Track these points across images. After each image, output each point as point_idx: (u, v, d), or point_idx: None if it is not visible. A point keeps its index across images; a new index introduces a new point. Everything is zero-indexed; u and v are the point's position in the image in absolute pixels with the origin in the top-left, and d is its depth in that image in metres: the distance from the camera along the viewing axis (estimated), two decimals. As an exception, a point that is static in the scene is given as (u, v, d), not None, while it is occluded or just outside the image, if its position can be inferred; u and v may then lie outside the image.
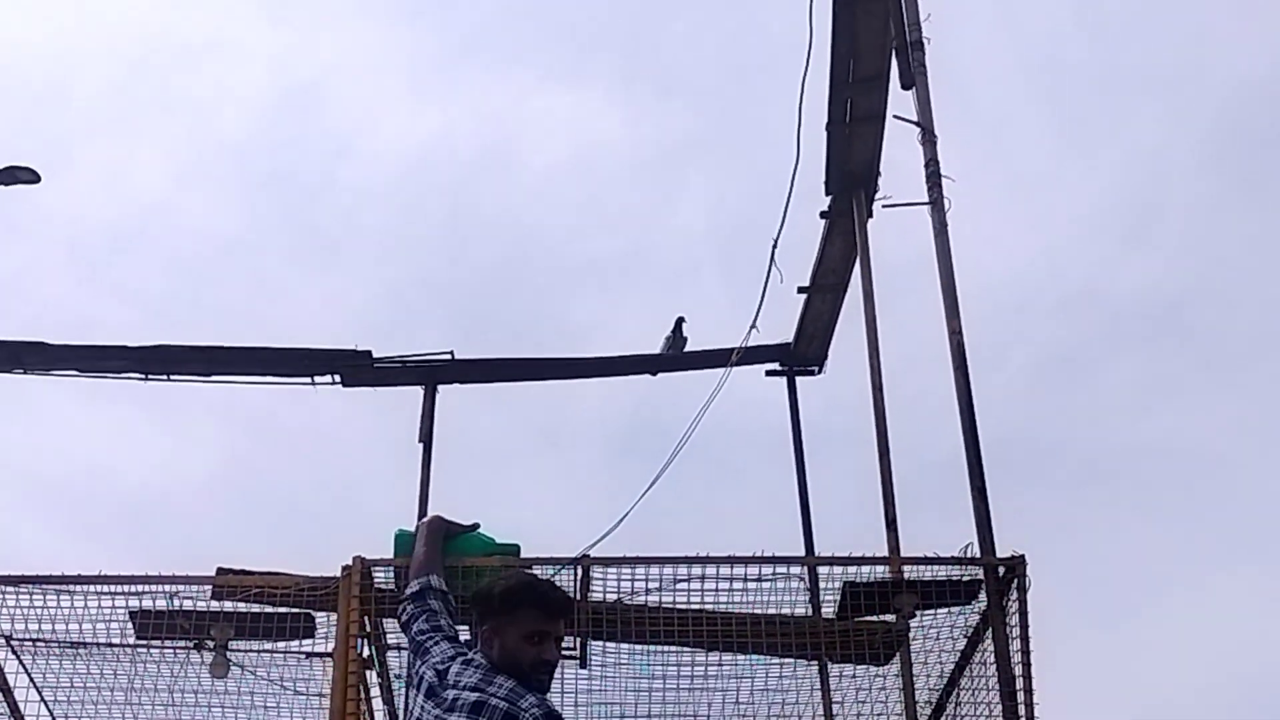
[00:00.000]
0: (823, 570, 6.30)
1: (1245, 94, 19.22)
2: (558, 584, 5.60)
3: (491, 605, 4.29)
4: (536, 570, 5.98)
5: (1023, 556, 5.98)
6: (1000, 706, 5.89)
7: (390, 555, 5.76)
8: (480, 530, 5.58)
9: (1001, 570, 6.03)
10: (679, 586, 6.07)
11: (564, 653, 6.30)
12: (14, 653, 6.41)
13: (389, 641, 6.23)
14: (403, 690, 4.42)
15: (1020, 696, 5.86)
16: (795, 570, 6.24)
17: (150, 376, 8.54)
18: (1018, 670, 5.90)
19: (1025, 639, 5.92)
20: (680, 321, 8.98)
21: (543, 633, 4.20)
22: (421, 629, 4.59)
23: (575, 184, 20.06)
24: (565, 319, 17.17)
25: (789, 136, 7.36)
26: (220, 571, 6.13)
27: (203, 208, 19.95)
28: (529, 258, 19.10)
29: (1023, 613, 5.93)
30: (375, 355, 8.59)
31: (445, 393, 8.70)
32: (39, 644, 6.29)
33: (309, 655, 6.31)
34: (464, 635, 4.58)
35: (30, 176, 8.81)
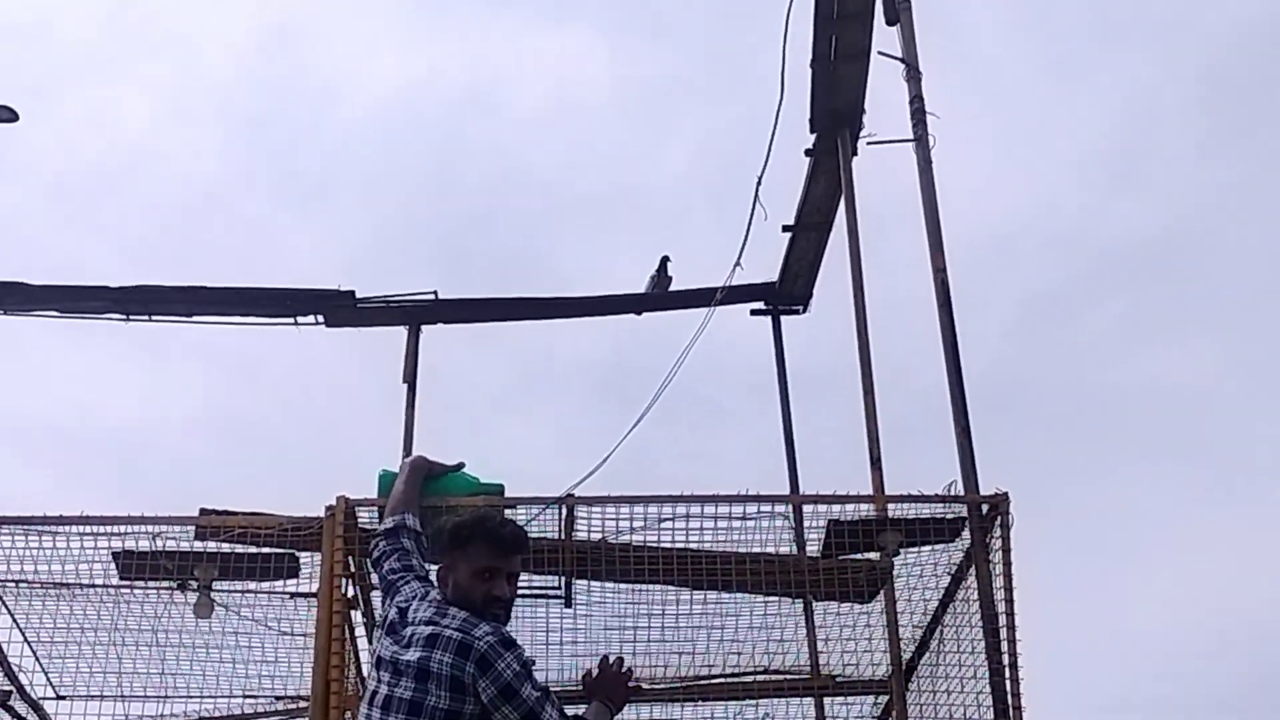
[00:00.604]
0: (807, 508, 6.30)
1: (1236, 37, 19.15)
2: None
3: (443, 542, 4.31)
4: (521, 510, 5.99)
5: (1006, 494, 5.99)
6: (983, 643, 5.91)
7: (374, 495, 5.75)
8: (464, 470, 5.57)
9: (985, 508, 6.04)
10: (664, 525, 6.08)
11: (549, 591, 6.34)
12: (-3, 593, 6.41)
13: (373, 581, 6.23)
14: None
15: (1003, 633, 5.88)
16: (780, 509, 6.23)
17: (131, 317, 8.50)
18: (1001, 607, 5.91)
19: (1008, 576, 5.94)
20: (665, 261, 8.95)
21: (493, 569, 4.20)
22: (393, 567, 4.59)
23: (562, 125, 19.97)
24: (552, 260, 17.13)
25: (775, 75, 7.32)
26: (204, 512, 6.11)
27: (187, 149, 19.85)
28: (515, 199, 19.03)
29: (1006, 550, 5.95)
30: (359, 295, 8.55)
31: (430, 333, 8.68)
32: (22, 585, 6.28)
33: (293, 595, 6.31)
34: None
35: (9, 115, 8.72)
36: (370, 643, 6.24)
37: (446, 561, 4.27)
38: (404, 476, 5.14)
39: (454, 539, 4.27)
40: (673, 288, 8.91)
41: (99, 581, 6.25)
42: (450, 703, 3.99)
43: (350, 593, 6.00)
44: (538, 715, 4.06)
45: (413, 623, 4.17)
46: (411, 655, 4.06)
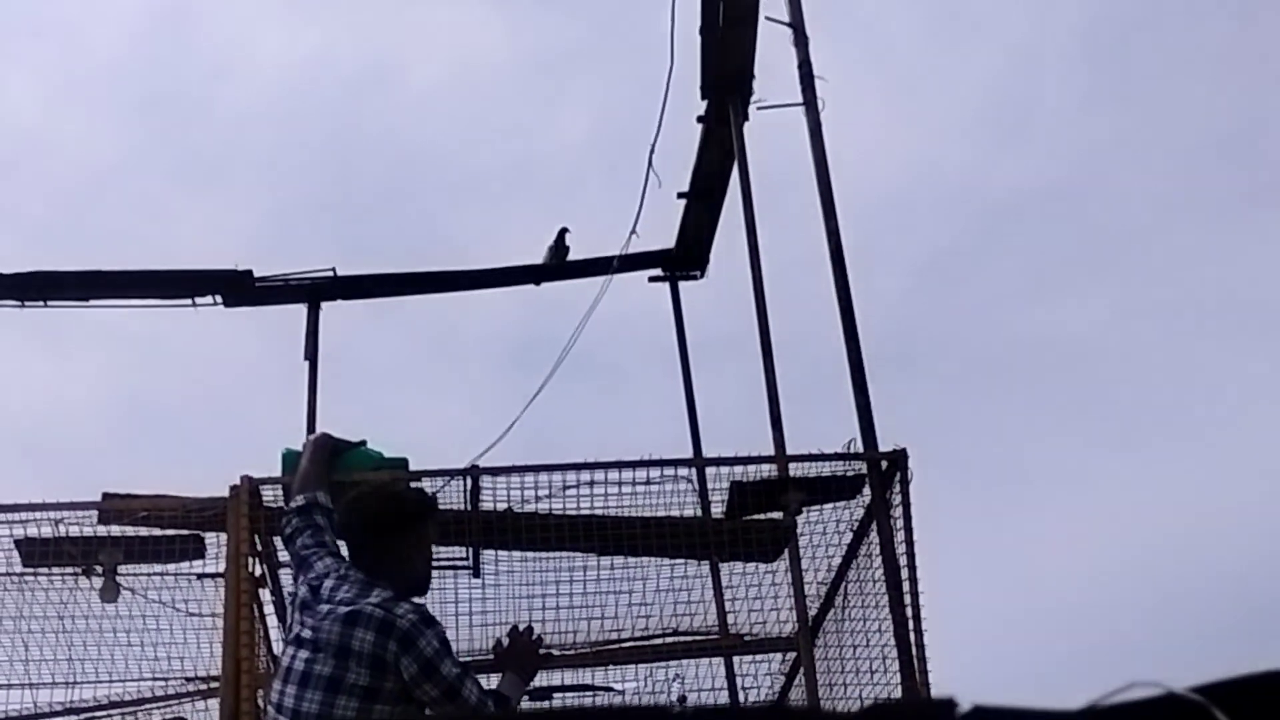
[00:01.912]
0: (710, 471, 6.38)
1: (1114, -12, 19.42)
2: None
3: (388, 520, 4.33)
4: (426, 482, 6.01)
5: (904, 450, 6.10)
6: (887, 597, 6.02)
7: (279, 474, 5.75)
8: (367, 445, 5.59)
9: (884, 464, 6.15)
10: (569, 493, 6.13)
11: (457, 563, 6.38)
12: (-102, 585, 6.33)
13: (280, 560, 6.23)
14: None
15: (906, 587, 5.99)
16: (683, 472, 6.31)
17: (27, 303, 8.41)
18: (903, 561, 6.02)
19: (909, 530, 6.05)
20: (564, 232, 8.98)
21: (433, 545, 4.30)
22: (306, 544, 4.60)
23: (458, 98, 19.88)
24: (452, 235, 17.04)
25: (666, 42, 7.37)
26: (106, 496, 6.08)
27: (79, 132, 19.52)
28: (413, 174, 18.94)
29: (906, 505, 6.06)
30: (257, 275, 8.51)
31: (330, 310, 8.65)
32: (-77, 576, 6.21)
33: (200, 576, 6.29)
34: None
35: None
36: (281, 621, 6.25)
37: (396, 540, 4.30)
38: (309, 455, 5.14)
39: (407, 517, 4.31)
40: (571, 258, 8.94)
41: (1, 570, 6.19)
42: (370, 680, 4.02)
43: (258, 572, 6.00)
44: (457, 691, 4.11)
45: (328, 600, 4.18)
46: (330, 632, 4.08)
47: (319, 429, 7.24)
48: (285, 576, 6.30)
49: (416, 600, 4.32)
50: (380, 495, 4.57)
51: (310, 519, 4.72)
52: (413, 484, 5.85)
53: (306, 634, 4.15)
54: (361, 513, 4.40)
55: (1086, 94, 19.51)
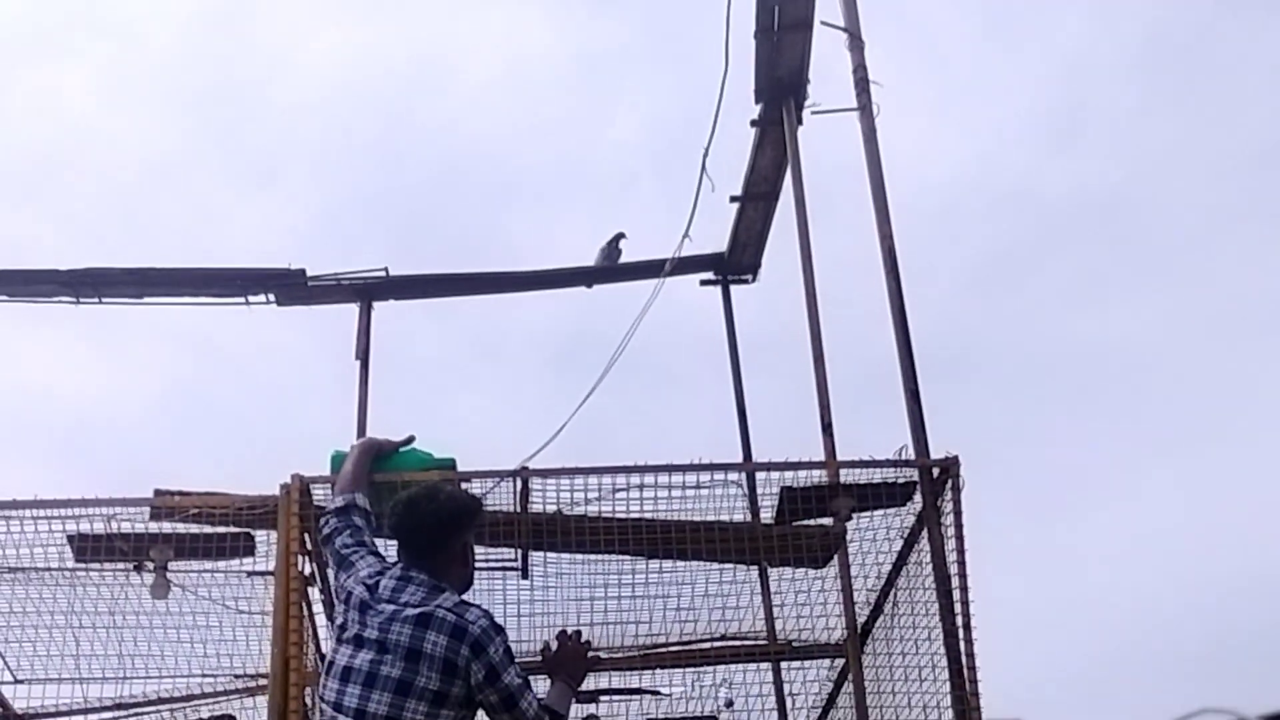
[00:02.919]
0: (760, 475, 6.36)
1: (1172, -5, 19.29)
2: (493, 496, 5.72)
3: (470, 518, 4.38)
4: (476, 483, 6.02)
5: (956, 457, 6.06)
6: (937, 605, 5.98)
7: (328, 474, 5.75)
8: (415, 445, 5.59)
9: (936, 471, 6.11)
10: (618, 495, 6.12)
11: (506, 564, 6.39)
12: (-48, 579, 6.38)
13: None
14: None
15: (956, 595, 5.95)
16: (733, 476, 6.29)
17: (82, 300, 8.47)
18: (953, 569, 5.99)
19: (960, 538, 6.01)
20: (619, 237, 8.99)
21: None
22: (346, 543, 4.60)
23: (510, 97, 19.91)
24: (503, 234, 17.10)
25: (720, 45, 7.35)
26: (158, 493, 6.11)
27: (134, 129, 19.68)
28: (465, 173, 18.99)
29: (957, 513, 6.02)
30: (309, 274, 8.55)
31: (382, 309, 8.69)
32: (-25, 570, 6.26)
33: (250, 574, 6.32)
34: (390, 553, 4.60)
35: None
36: (329, 619, 6.26)
37: (457, 540, 4.33)
38: (353, 458, 5.15)
39: (468, 519, 4.36)
40: (622, 260, 8.94)
41: (54, 565, 6.24)
42: (440, 683, 4.03)
43: (307, 570, 6.02)
44: (516, 702, 4.14)
45: (390, 600, 4.18)
46: (400, 634, 4.08)
47: (369, 428, 7.29)
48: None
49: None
50: (446, 495, 4.57)
51: (349, 519, 4.73)
52: (462, 484, 5.85)
53: (371, 634, 4.13)
54: (433, 513, 4.40)
55: (1140, 101, 19.39)
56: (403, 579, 4.27)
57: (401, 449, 5.52)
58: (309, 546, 6.02)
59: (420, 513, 4.37)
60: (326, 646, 4.54)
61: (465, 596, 4.38)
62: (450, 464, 5.79)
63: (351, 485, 4.96)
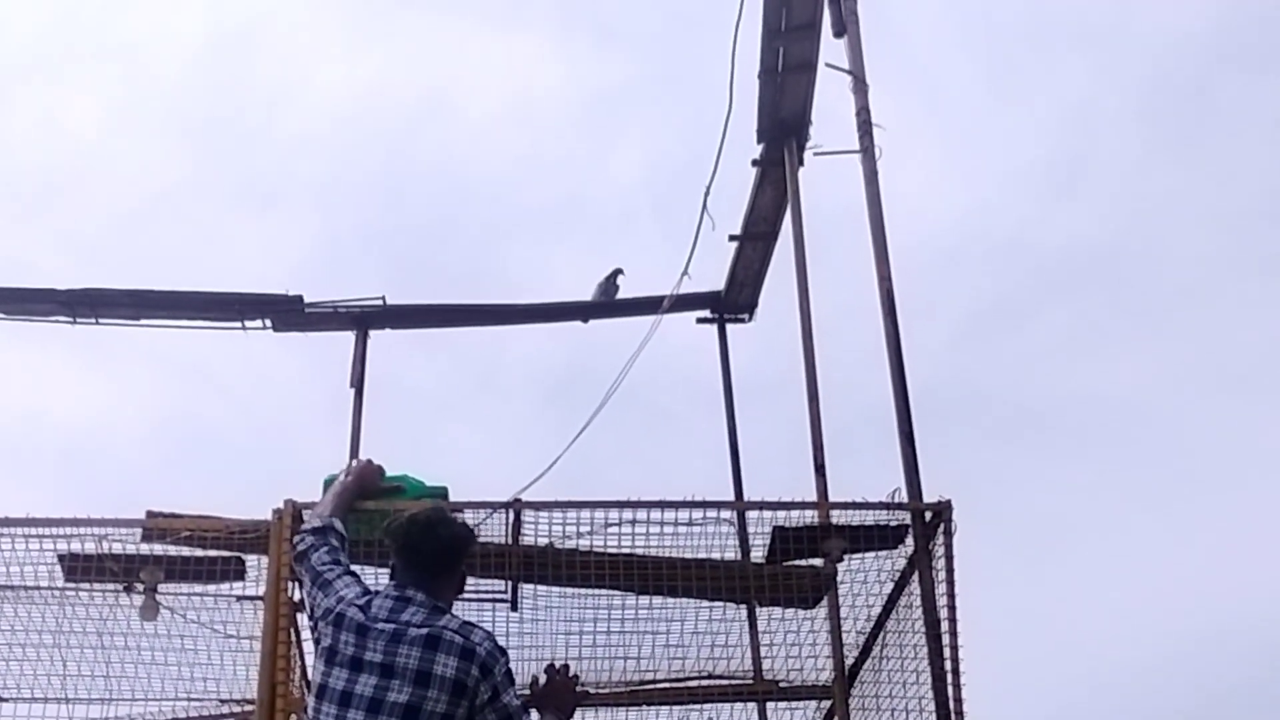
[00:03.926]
0: (752, 514, 6.37)
1: (1173, 47, 19.41)
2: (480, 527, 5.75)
3: (456, 547, 4.39)
4: (469, 514, 6.01)
5: (949, 501, 6.06)
6: (926, 648, 5.97)
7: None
8: (406, 475, 5.60)
9: (928, 515, 6.11)
10: (610, 530, 6.11)
11: (496, 595, 6.38)
12: (-59, 596, 6.37)
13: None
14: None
15: (946, 639, 5.94)
16: (725, 514, 6.29)
17: (78, 320, 8.48)
18: (943, 613, 5.98)
19: (951, 582, 6.00)
20: (617, 272, 9.01)
21: None
22: (323, 560, 4.56)
23: (512, 132, 19.98)
24: (501, 267, 17.13)
25: (724, 85, 7.39)
26: (150, 515, 6.11)
27: (137, 152, 19.73)
28: (465, 206, 19.04)
29: (948, 557, 6.01)
30: (307, 300, 8.56)
31: (378, 338, 8.71)
32: (-35, 587, 6.25)
33: (240, 598, 6.31)
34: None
35: (-45, 116, 8.68)
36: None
37: (459, 564, 4.36)
38: (339, 490, 5.12)
39: (473, 546, 4.41)
40: (619, 296, 8.96)
41: (44, 584, 6.23)
42: (447, 706, 4.01)
43: (297, 596, 6.00)
44: None
45: (388, 620, 4.16)
46: (407, 657, 4.06)
47: (362, 454, 7.28)
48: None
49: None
50: (459, 521, 4.60)
51: (326, 539, 4.71)
52: (454, 515, 5.85)
53: (373, 657, 4.09)
54: (451, 537, 4.41)
55: (1141, 152, 19.48)
56: (400, 599, 4.24)
57: (390, 476, 5.52)
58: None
59: (437, 535, 4.37)
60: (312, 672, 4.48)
61: None
62: (443, 492, 5.80)
63: (331, 512, 4.93)
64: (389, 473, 5.51)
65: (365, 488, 5.31)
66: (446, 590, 4.33)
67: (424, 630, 4.10)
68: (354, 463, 5.45)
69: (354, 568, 4.64)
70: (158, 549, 6.17)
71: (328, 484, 5.49)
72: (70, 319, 8.47)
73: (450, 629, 4.12)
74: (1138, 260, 18.83)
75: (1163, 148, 19.53)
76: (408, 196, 19.65)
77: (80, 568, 6.12)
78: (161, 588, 6.27)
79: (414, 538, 4.38)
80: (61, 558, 6.10)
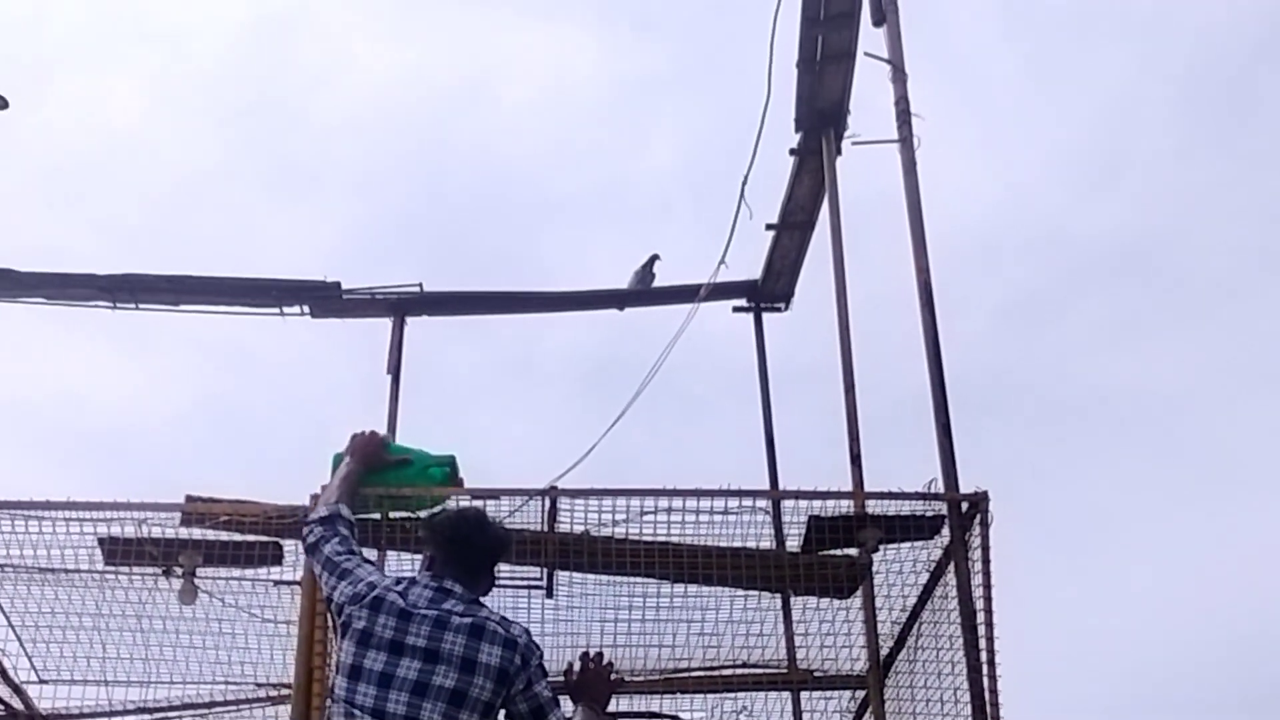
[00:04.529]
0: (787, 504, 6.36)
1: (1215, 38, 19.26)
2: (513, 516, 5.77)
3: (500, 542, 4.45)
4: (505, 501, 6.03)
5: (986, 492, 6.04)
6: (961, 639, 5.96)
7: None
8: (409, 447, 5.59)
9: (964, 505, 6.10)
10: (645, 518, 6.12)
11: (532, 583, 6.41)
12: (-19, 578, 6.43)
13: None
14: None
15: (981, 630, 5.93)
16: (760, 503, 6.29)
17: (118, 305, 8.52)
18: (979, 604, 5.96)
19: (987, 573, 5.99)
20: (653, 259, 9.00)
21: None
22: (337, 550, 4.57)
23: (550, 119, 19.98)
24: (538, 255, 17.16)
25: (761, 74, 7.38)
26: (189, 499, 6.15)
27: (177, 138, 19.81)
28: (502, 193, 19.06)
29: (985, 548, 6.00)
30: (344, 287, 8.59)
31: (414, 325, 8.72)
32: (6, 570, 6.30)
33: (277, 583, 6.35)
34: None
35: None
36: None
37: (495, 567, 4.41)
38: (344, 473, 5.11)
39: (509, 548, 4.46)
40: (656, 284, 8.96)
41: (84, 567, 6.28)
42: (491, 694, 4.07)
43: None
44: (546, 714, 4.19)
45: (429, 608, 4.17)
46: (452, 644, 4.09)
47: (398, 441, 7.31)
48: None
49: None
50: (497, 522, 4.64)
51: (334, 528, 4.72)
52: (490, 502, 5.87)
53: (415, 641, 4.11)
54: (499, 536, 4.47)
55: (1182, 143, 19.35)
56: (440, 590, 4.27)
57: (395, 447, 5.51)
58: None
59: (486, 534, 4.41)
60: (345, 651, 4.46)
61: None
62: (450, 461, 5.76)
63: (338, 498, 4.94)
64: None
65: (371, 465, 5.30)
66: (481, 587, 4.35)
67: (468, 619, 4.14)
68: (355, 437, 5.38)
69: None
70: (196, 533, 6.21)
71: (337, 461, 5.44)
72: (110, 304, 8.51)
73: (493, 620, 4.17)
74: (1177, 252, 18.74)
75: (1203, 139, 19.41)
76: (445, 183, 19.70)
77: (120, 551, 6.16)
78: (200, 572, 6.32)
79: (463, 533, 4.40)
80: (101, 541, 6.14)
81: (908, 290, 6.76)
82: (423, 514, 5.50)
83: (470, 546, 4.38)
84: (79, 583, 6.36)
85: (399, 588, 4.30)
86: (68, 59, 20.06)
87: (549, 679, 4.32)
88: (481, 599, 4.36)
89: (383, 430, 5.28)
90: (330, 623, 6.04)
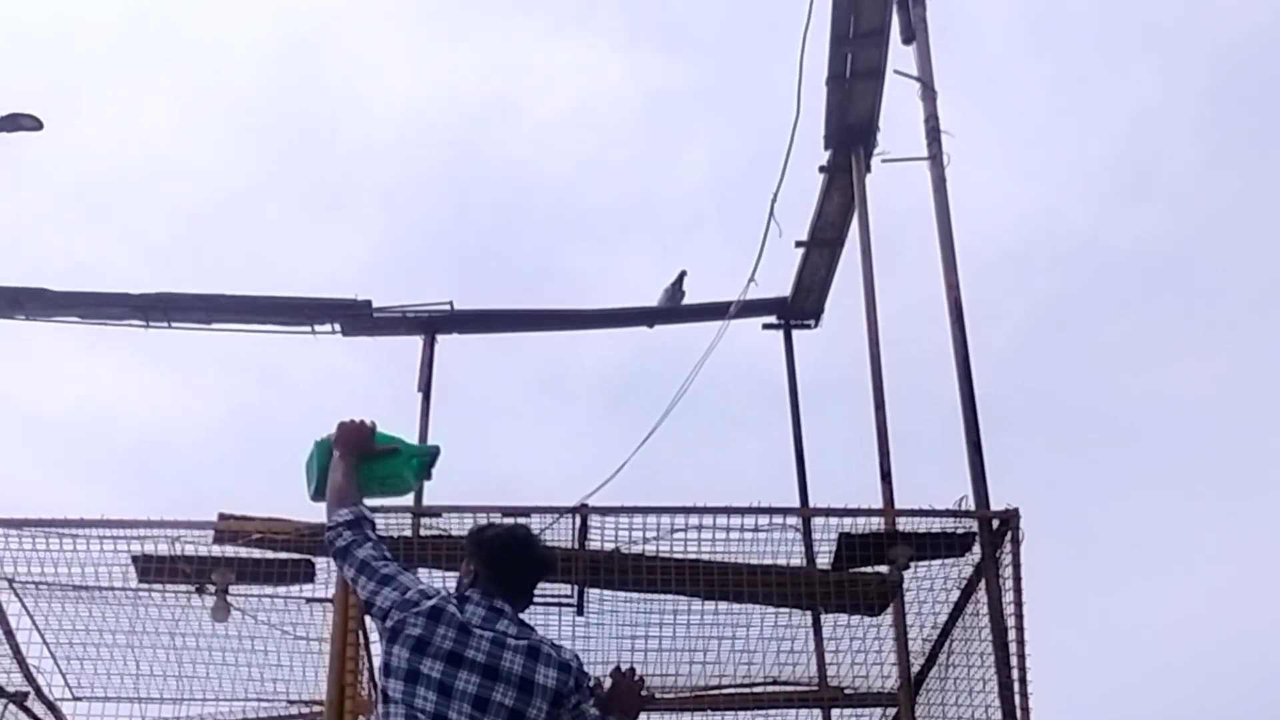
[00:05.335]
0: (818, 521, 6.37)
1: (1245, 50, 19.20)
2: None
3: (542, 564, 4.43)
4: (535, 518, 6.04)
5: (1016, 509, 6.04)
6: (993, 656, 5.95)
7: (388, 501, 5.73)
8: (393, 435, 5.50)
9: (995, 523, 6.09)
10: (676, 536, 6.13)
11: (563, 600, 6.41)
12: (16, 595, 6.47)
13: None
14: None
15: (1013, 647, 5.92)
16: (791, 521, 6.30)
17: (151, 324, 8.58)
18: (1010, 621, 5.95)
19: (1018, 590, 5.98)
20: (682, 275, 9.01)
21: None
22: (372, 554, 4.48)
23: (579, 136, 20.06)
24: (567, 271, 17.20)
25: (791, 90, 7.39)
26: (222, 517, 6.18)
27: (208, 155, 19.95)
28: (532, 209, 19.12)
29: (1016, 564, 5.99)
30: (375, 305, 8.63)
31: (445, 343, 8.75)
32: (41, 587, 6.34)
33: (309, 600, 6.37)
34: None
35: (33, 124, 8.79)
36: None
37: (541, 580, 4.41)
38: (343, 469, 4.93)
39: (554, 569, 4.44)
40: (685, 301, 8.97)
41: (118, 584, 6.31)
42: (547, 715, 4.08)
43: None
44: None
45: (483, 627, 4.18)
46: (511, 663, 4.11)
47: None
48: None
49: None
50: (543, 542, 4.63)
51: (363, 532, 4.63)
52: (520, 519, 5.86)
53: (476, 656, 4.10)
54: (546, 558, 4.46)
55: (1213, 156, 19.28)
56: (492, 610, 4.26)
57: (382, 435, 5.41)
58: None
59: (538, 554, 4.40)
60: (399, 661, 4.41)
61: None
62: (435, 451, 5.63)
63: (352, 497, 4.81)
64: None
65: (362, 454, 5.15)
66: (522, 605, 4.36)
67: (523, 641, 4.15)
68: (343, 425, 5.17)
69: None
70: (229, 551, 6.24)
71: (321, 447, 5.15)
72: (144, 323, 8.57)
73: (546, 644, 4.18)
74: (1208, 265, 18.66)
75: (1235, 151, 19.33)
76: (474, 199, 19.77)
77: (154, 569, 6.20)
78: (232, 589, 6.35)
79: (515, 553, 4.38)
80: (135, 559, 6.18)
81: (938, 306, 6.76)
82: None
83: (519, 566, 4.37)
84: (112, 600, 6.40)
85: (455, 602, 4.30)
86: (100, 78, 20.24)
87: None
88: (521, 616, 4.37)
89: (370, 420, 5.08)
90: (364, 640, 6.07)
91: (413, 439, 8.06)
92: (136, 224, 18.81)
